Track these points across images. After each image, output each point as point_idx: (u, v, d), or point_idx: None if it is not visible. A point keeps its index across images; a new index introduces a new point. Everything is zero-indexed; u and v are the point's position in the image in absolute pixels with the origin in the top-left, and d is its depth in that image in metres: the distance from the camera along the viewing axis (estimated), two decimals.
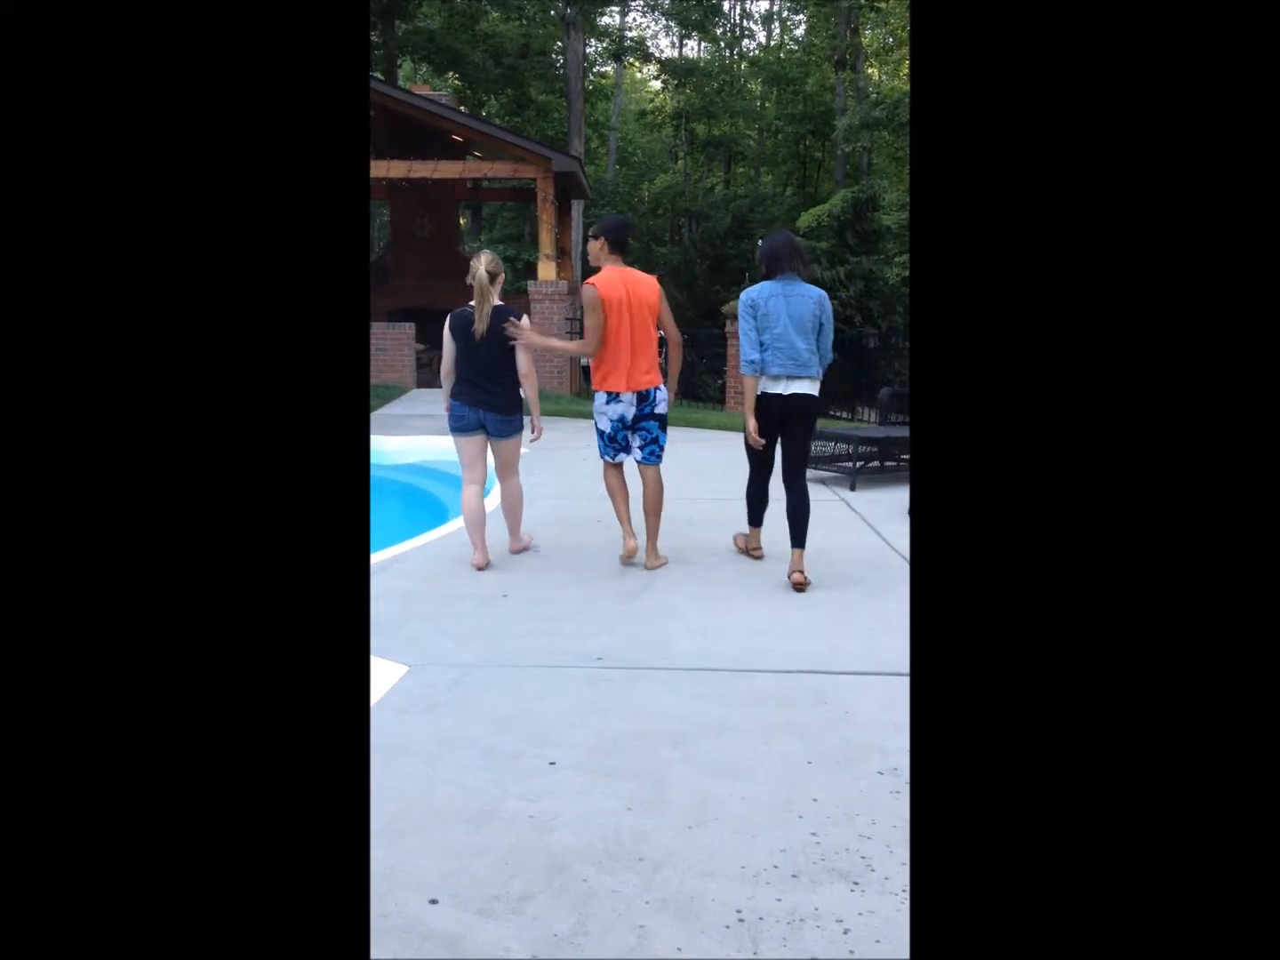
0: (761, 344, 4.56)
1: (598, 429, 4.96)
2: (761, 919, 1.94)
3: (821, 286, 16.28)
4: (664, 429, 4.94)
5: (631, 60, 29.75)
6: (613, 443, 4.93)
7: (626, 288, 4.74)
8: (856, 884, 2.07)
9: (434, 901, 1.99)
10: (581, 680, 3.25)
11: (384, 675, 3.25)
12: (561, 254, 15.28)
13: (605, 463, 5.03)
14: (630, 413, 4.85)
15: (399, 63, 24.02)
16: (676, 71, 29.36)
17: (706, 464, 8.03)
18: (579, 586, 4.41)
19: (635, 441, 4.93)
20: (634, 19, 25.66)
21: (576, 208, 18.94)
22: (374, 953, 1.83)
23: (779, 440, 4.75)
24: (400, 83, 21.28)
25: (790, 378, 4.56)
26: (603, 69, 30.09)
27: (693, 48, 34.77)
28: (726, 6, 30.66)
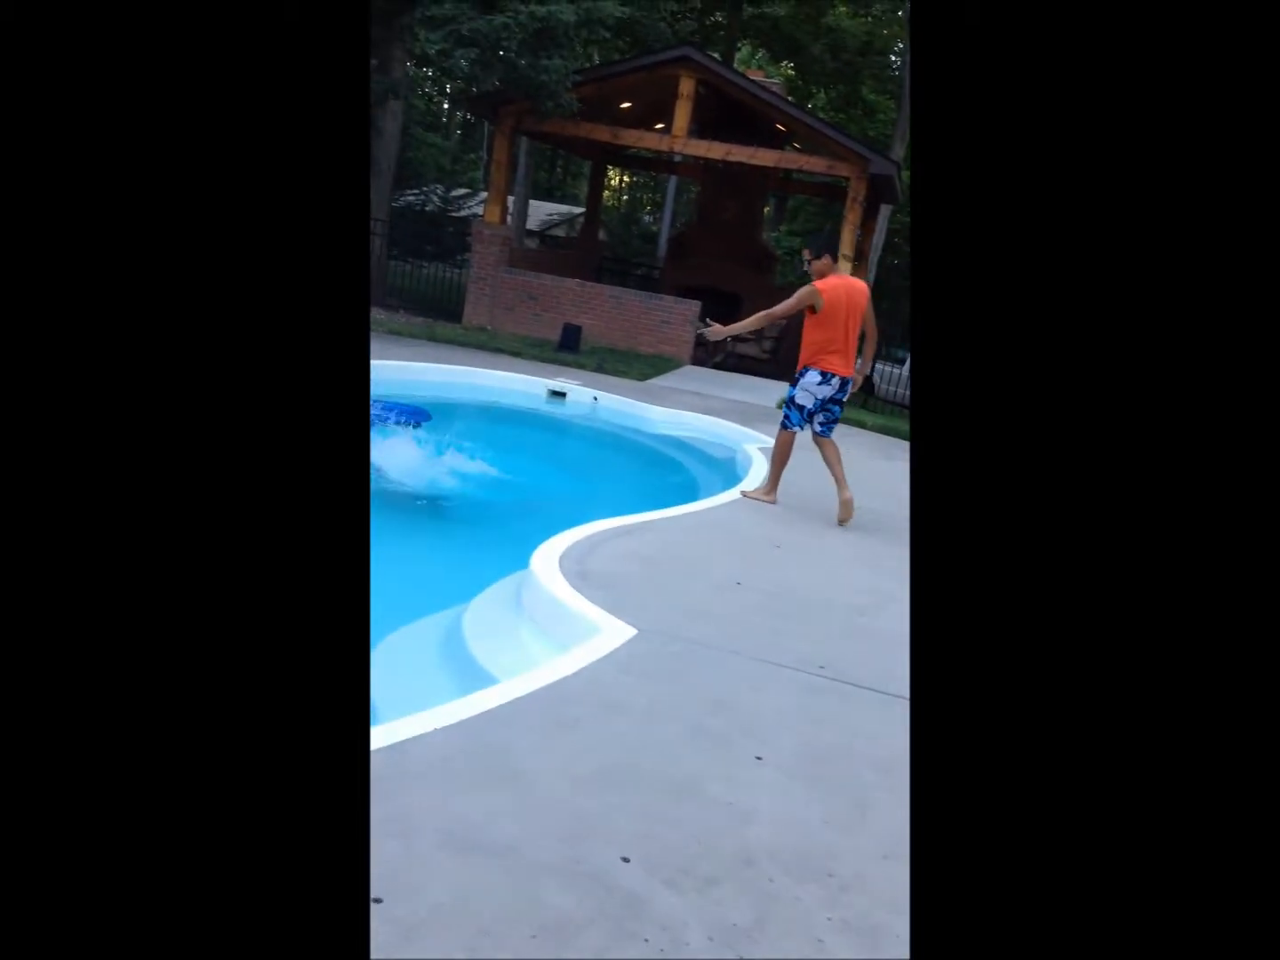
0: None
1: (796, 403, 5.82)
2: None
3: None
4: (842, 410, 6.00)
5: None
6: (810, 417, 5.84)
7: (847, 291, 5.72)
8: None
9: (625, 860, 2.06)
10: (800, 684, 3.24)
11: (613, 634, 3.35)
12: (860, 257, 15.07)
13: (787, 431, 5.86)
14: (830, 394, 5.76)
15: (738, 45, 24.30)
16: None
17: None
18: (812, 591, 4.38)
19: (819, 418, 5.88)
20: None
21: (884, 212, 18.60)
22: (560, 897, 1.91)
23: None
24: (736, 65, 21.49)
25: None
26: None
27: None
28: None
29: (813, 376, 5.74)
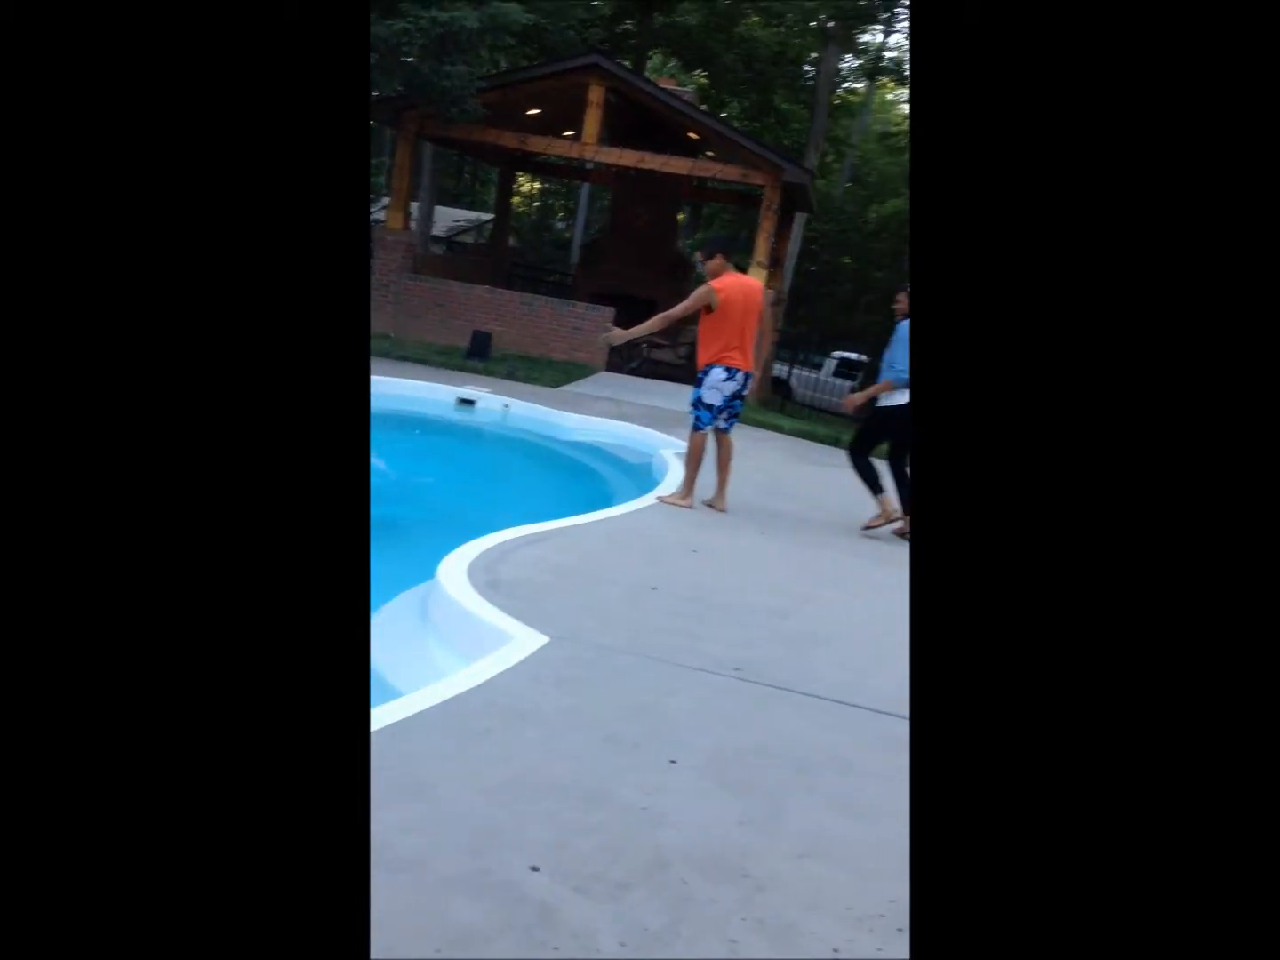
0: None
1: (705, 402, 5.94)
2: None
3: None
4: (743, 405, 6.20)
5: (886, 80, 29.22)
6: (719, 414, 5.98)
7: (743, 290, 5.89)
8: None
9: (535, 869, 2.01)
10: (715, 687, 3.22)
11: (524, 642, 3.29)
12: (775, 263, 15.21)
13: (699, 432, 5.99)
14: (736, 389, 5.90)
15: (649, 54, 24.38)
16: None
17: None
18: (729, 594, 4.37)
19: (724, 414, 6.02)
20: (897, 40, 25.08)
21: (798, 220, 18.81)
22: (468, 910, 1.85)
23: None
24: (647, 74, 21.57)
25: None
26: (854, 86, 29.71)
27: None
28: None
29: (718, 373, 5.87)
